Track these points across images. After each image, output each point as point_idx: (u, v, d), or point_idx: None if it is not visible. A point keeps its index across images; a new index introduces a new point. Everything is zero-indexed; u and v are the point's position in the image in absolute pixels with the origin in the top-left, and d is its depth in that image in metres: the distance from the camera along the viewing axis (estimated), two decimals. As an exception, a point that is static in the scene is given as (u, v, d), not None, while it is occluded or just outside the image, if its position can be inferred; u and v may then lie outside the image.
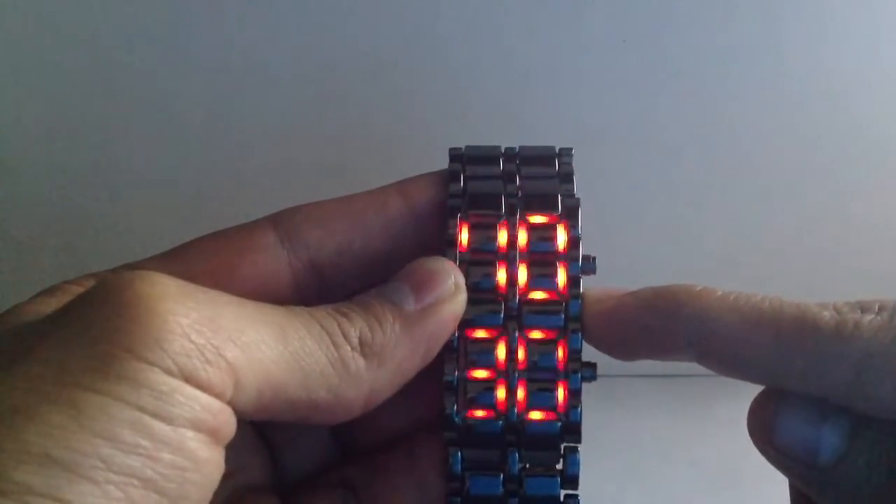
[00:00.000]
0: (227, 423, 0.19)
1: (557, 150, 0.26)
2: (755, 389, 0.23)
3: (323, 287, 0.25)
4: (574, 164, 0.26)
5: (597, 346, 0.24)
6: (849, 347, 0.20)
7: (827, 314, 0.21)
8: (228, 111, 0.40)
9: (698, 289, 0.22)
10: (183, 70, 0.39)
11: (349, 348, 0.21)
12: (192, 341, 0.18)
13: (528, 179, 0.25)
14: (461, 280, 0.23)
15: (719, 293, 0.22)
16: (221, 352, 0.18)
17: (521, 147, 0.26)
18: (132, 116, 0.40)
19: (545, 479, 0.24)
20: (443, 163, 0.26)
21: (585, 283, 0.24)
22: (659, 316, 0.23)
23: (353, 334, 0.21)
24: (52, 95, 0.40)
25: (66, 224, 0.43)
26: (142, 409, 0.17)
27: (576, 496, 0.24)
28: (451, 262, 0.24)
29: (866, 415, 0.21)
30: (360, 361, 0.21)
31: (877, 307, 0.21)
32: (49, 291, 0.22)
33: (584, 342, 0.24)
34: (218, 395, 0.18)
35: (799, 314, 0.21)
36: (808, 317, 0.21)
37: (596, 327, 0.24)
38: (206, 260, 0.23)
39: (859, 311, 0.21)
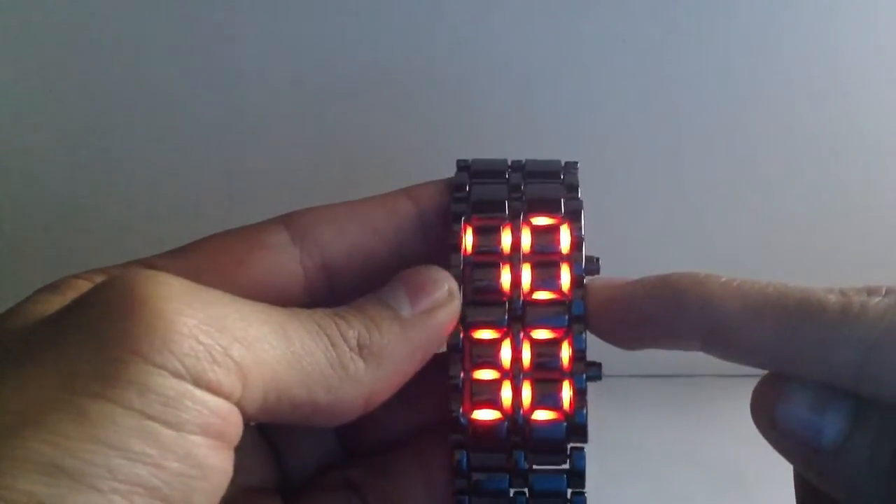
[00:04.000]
0: (236, 424, 0.19)
1: (563, 164, 0.26)
2: (756, 386, 0.23)
3: (333, 287, 0.25)
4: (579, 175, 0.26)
5: (601, 336, 0.24)
6: (855, 329, 0.20)
7: (833, 297, 0.21)
8: (230, 115, 0.40)
9: (702, 275, 0.22)
10: (187, 74, 0.39)
11: (347, 349, 0.21)
12: (199, 342, 0.18)
13: (531, 185, 0.25)
14: (455, 287, 0.24)
15: (723, 279, 0.22)
16: (229, 352, 0.18)
17: (527, 160, 0.26)
18: (134, 117, 0.40)
19: (552, 476, 0.24)
20: (445, 166, 0.26)
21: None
22: (663, 303, 0.22)
23: (352, 335, 0.21)
24: (52, 95, 0.40)
25: (66, 224, 0.43)
26: (149, 417, 0.17)
27: (582, 493, 0.24)
28: (445, 270, 0.24)
29: (872, 398, 0.21)
30: (359, 363, 0.21)
31: (884, 290, 0.21)
32: (53, 287, 0.22)
33: (588, 337, 0.24)
34: (227, 397, 0.18)
35: (804, 297, 0.21)
36: (814, 300, 0.21)
37: (600, 317, 0.24)
38: (217, 257, 0.23)
39: (866, 294, 0.21)
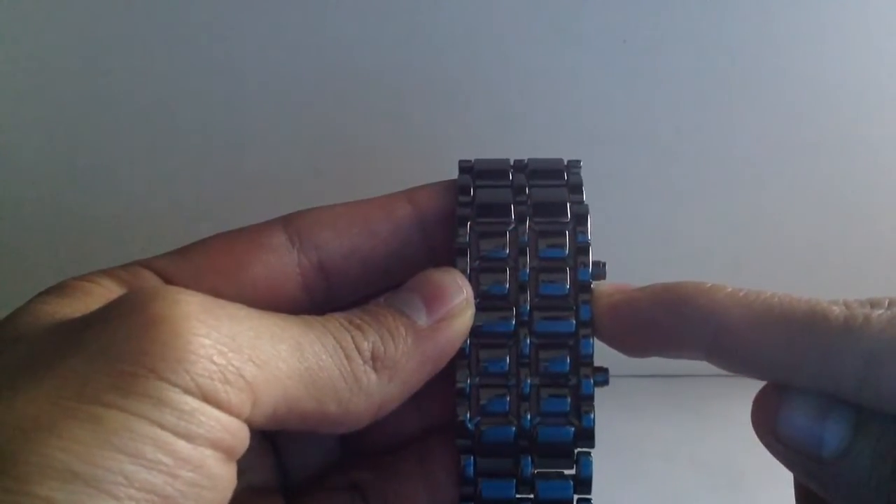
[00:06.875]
0: (243, 440, 0.19)
1: (566, 162, 0.26)
2: (756, 389, 0.23)
3: (331, 288, 0.25)
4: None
5: (607, 342, 0.24)
6: (858, 341, 0.20)
7: (836, 309, 0.21)
8: (229, 115, 0.40)
9: (708, 285, 0.22)
10: (186, 74, 0.39)
11: (361, 362, 0.21)
12: (213, 362, 0.18)
13: (536, 188, 0.25)
14: (471, 294, 0.24)
15: (729, 289, 0.22)
16: (241, 372, 0.19)
17: (530, 159, 0.26)
18: (134, 118, 0.40)
19: (558, 483, 0.24)
20: (445, 166, 0.26)
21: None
22: (669, 311, 0.23)
23: (366, 348, 0.21)
24: (52, 96, 0.40)
25: (66, 224, 0.43)
26: (164, 427, 0.17)
27: (589, 500, 0.24)
28: (462, 275, 0.24)
29: (873, 409, 0.21)
30: (372, 376, 0.21)
31: (886, 303, 0.21)
32: (59, 289, 0.22)
33: (594, 343, 0.24)
34: (236, 415, 0.19)
35: (808, 309, 0.21)
36: (818, 312, 0.21)
37: (606, 323, 0.24)
38: (216, 258, 0.23)
39: (869, 307, 0.21)
